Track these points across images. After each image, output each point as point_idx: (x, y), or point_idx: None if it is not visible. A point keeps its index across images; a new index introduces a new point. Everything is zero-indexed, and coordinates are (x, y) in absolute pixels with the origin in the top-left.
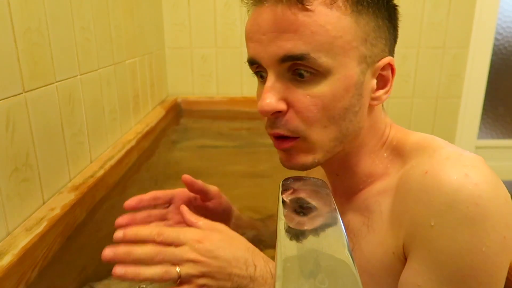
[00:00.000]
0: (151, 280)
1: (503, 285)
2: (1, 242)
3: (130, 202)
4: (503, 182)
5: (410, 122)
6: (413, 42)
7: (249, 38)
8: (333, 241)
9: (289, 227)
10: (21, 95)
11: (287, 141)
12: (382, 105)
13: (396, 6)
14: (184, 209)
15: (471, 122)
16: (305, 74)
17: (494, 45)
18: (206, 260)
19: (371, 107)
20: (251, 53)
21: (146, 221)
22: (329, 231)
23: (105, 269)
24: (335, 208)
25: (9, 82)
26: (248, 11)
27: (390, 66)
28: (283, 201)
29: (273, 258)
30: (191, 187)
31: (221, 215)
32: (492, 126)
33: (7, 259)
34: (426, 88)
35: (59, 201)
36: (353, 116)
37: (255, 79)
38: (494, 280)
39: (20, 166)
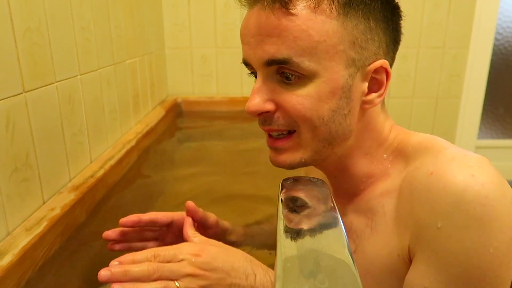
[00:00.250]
0: None
1: (509, 285)
2: (1, 242)
3: (127, 220)
4: None
5: (410, 122)
6: (413, 42)
7: (241, 40)
8: (333, 241)
9: (289, 227)
10: (21, 95)
11: (281, 140)
12: (383, 107)
13: (397, 6)
14: (189, 221)
15: (471, 122)
16: (291, 77)
17: (494, 45)
18: (204, 273)
19: (363, 110)
20: (244, 54)
21: (137, 239)
22: (329, 231)
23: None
24: (335, 208)
25: (9, 82)
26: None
27: (384, 70)
28: (283, 201)
29: (271, 265)
30: (192, 214)
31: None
32: (492, 126)
33: (7, 259)
34: (426, 88)
35: (59, 201)
36: (342, 119)
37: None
38: (501, 281)
39: (20, 166)
